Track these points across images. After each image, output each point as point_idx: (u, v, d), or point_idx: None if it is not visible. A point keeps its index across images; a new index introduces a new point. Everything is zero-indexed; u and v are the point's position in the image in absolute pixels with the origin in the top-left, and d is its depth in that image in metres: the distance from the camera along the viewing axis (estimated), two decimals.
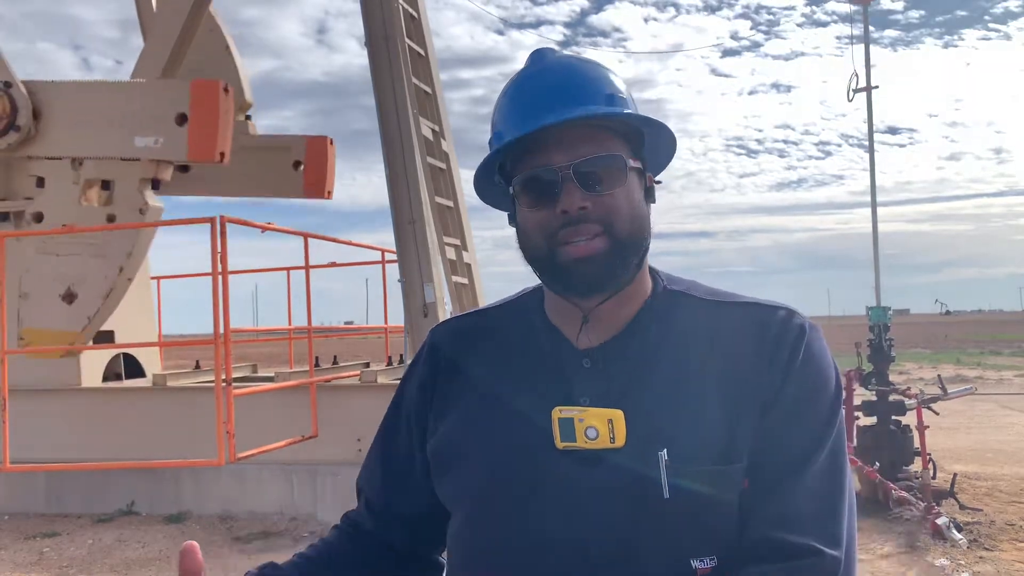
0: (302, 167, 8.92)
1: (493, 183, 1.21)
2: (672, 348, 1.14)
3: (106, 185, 7.26)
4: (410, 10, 7.81)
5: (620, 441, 1.06)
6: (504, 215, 1.23)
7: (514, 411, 1.15)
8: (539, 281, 1.20)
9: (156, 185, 7.41)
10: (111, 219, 7.21)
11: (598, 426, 1.07)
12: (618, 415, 1.07)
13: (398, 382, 1.39)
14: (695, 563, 1.05)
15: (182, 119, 6.77)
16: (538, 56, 1.19)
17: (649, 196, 1.17)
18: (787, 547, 1.03)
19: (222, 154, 6.81)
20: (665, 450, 1.05)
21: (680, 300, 1.18)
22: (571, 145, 1.10)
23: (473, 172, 1.22)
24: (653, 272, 1.21)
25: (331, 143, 8.76)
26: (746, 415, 1.08)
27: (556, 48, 1.20)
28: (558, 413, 1.09)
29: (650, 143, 1.17)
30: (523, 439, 1.12)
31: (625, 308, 1.16)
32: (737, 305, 1.17)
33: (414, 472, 1.27)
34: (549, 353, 1.18)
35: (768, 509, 1.06)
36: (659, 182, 1.20)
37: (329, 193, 9.05)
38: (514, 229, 1.20)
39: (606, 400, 1.10)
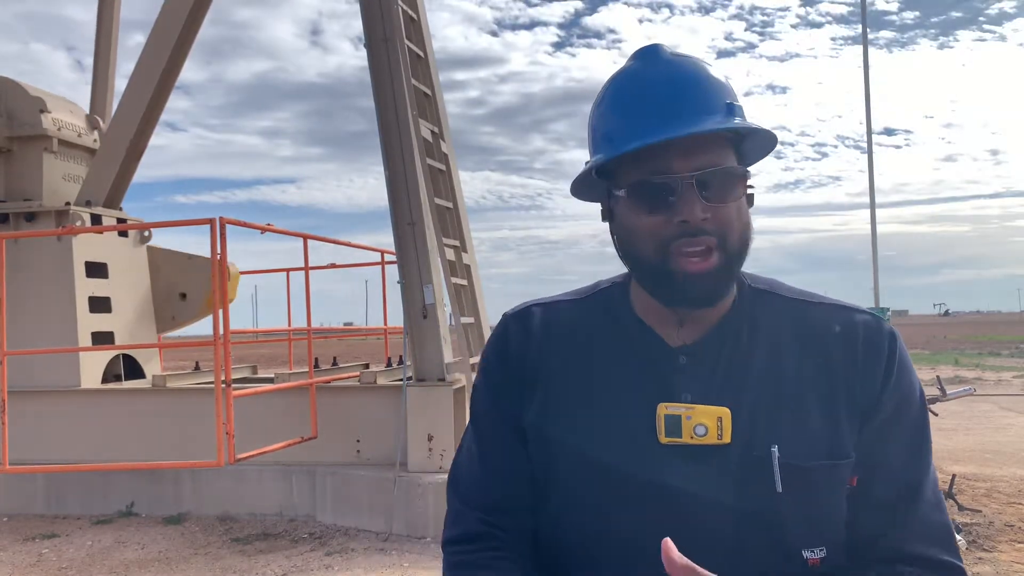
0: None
1: (586, 178, 1.19)
2: (764, 347, 1.15)
3: None
4: (409, 11, 7.81)
5: (727, 438, 1.09)
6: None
7: (612, 404, 1.15)
8: (618, 273, 1.21)
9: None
10: None
11: (707, 423, 1.09)
12: (726, 413, 1.09)
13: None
14: (806, 554, 1.09)
15: None
16: (652, 56, 1.16)
17: (750, 203, 1.16)
18: (934, 563, 1.11)
19: None
20: (777, 446, 1.08)
21: (766, 299, 1.20)
22: (691, 153, 1.09)
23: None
24: None
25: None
26: (846, 415, 1.12)
27: (665, 46, 1.17)
28: (664, 409, 1.10)
29: (750, 144, 1.17)
30: (625, 432, 1.13)
31: (714, 308, 1.16)
32: (823, 306, 1.20)
33: (524, 461, 1.22)
34: (641, 349, 1.18)
35: (909, 523, 1.12)
36: (753, 187, 1.18)
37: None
38: (608, 227, 1.19)
39: (709, 398, 1.11)
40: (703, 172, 1.08)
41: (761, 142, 1.19)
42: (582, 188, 1.24)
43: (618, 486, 1.12)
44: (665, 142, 1.07)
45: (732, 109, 1.11)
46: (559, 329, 1.24)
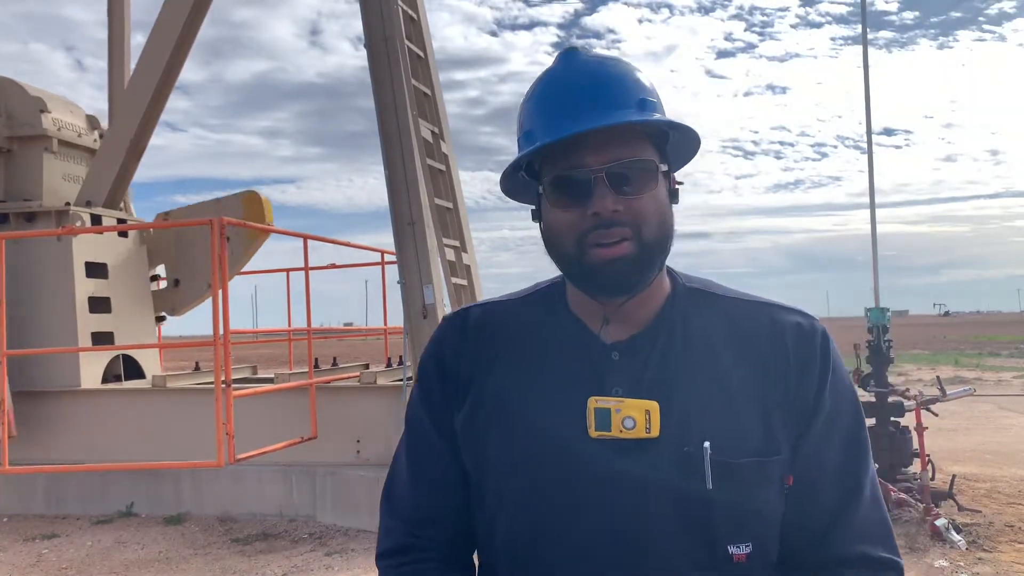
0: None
1: (517, 178, 1.22)
2: (697, 344, 1.17)
3: None
4: (409, 12, 7.81)
5: (655, 431, 1.10)
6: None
7: (543, 399, 1.16)
8: (558, 274, 1.22)
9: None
10: None
11: (635, 416, 1.10)
12: (654, 406, 1.11)
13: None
14: (732, 549, 1.10)
15: None
16: (569, 56, 1.19)
17: (674, 198, 1.19)
18: (875, 561, 1.16)
19: None
20: (708, 442, 1.09)
21: (700, 298, 1.22)
22: (603, 147, 1.11)
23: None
24: (670, 270, 1.25)
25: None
26: (779, 414, 1.14)
27: (586, 47, 1.20)
28: (594, 403, 1.12)
29: (674, 142, 1.19)
30: (555, 426, 1.14)
31: (647, 305, 1.19)
32: (756, 304, 1.22)
33: (454, 469, 1.24)
34: (576, 346, 1.19)
35: (851, 523, 1.16)
36: (681, 183, 1.22)
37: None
38: (538, 226, 1.21)
39: (639, 392, 1.13)
40: (614, 164, 1.10)
41: (687, 142, 1.21)
42: (516, 190, 1.25)
43: (548, 481, 1.13)
44: (579, 137, 1.10)
45: (645, 105, 1.13)
46: (496, 329, 1.25)
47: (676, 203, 1.19)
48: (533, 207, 1.22)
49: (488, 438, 1.18)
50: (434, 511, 1.25)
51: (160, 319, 9.01)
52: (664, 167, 1.16)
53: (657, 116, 1.13)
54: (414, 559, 1.24)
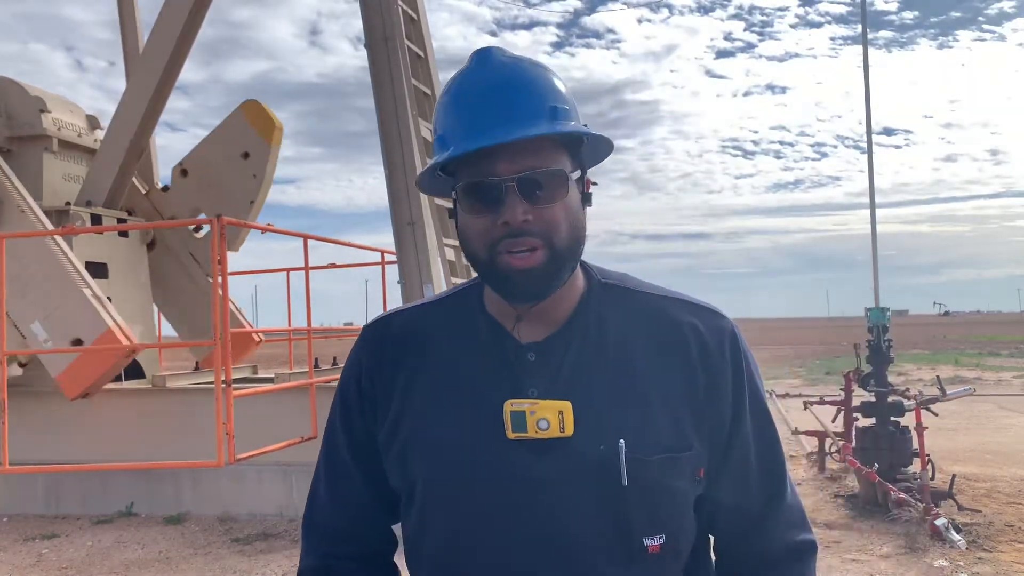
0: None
1: (435, 176, 1.23)
2: (612, 342, 1.20)
3: None
4: (409, 11, 7.82)
5: (569, 431, 1.13)
6: None
7: (462, 403, 1.19)
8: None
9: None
10: None
11: (549, 417, 1.13)
12: (567, 407, 1.13)
13: None
14: (647, 541, 1.14)
15: (77, 343, 6.61)
16: (482, 58, 1.19)
17: (586, 201, 1.20)
18: (801, 545, 1.26)
19: (84, 395, 6.73)
20: (623, 440, 1.12)
21: (615, 294, 1.25)
22: (515, 156, 1.12)
23: None
24: (585, 266, 1.26)
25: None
26: (689, 409, 1.17)
27: (501, 48, 1.21)
28: (510, 406, 1.14)
29: (588, 144, 1.21)
30: (473, 429, 1.16)
31: (562, 304, 1.21)
32: (669, 300, 1.25)
33: (371, 483, 1.28)
34: (493, 347, 1.21)
35: (776, 513, 1.25)
36: (595, 183, 1.23)
37: None
38: (454, 226, 1.23)
39: (554, 392, 1.15)
40: (523, 175, 1.11)
41: (600, 143, 1.22)
42: (434, 188, 1.26)
43: (469, 483, 1.15)
44: (493, 145, 1.10)
45: (557, 113, 1.14)
46: (414, 336, 1.27)
47: (589, 206, 1.21)
48: (450, 207, 1.24)
49: (411, 448, 1.20)
50: (352, 529, 1.29)
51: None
52: (576, 174, 1.18)
53: (570, 125, 1.15)
54: None
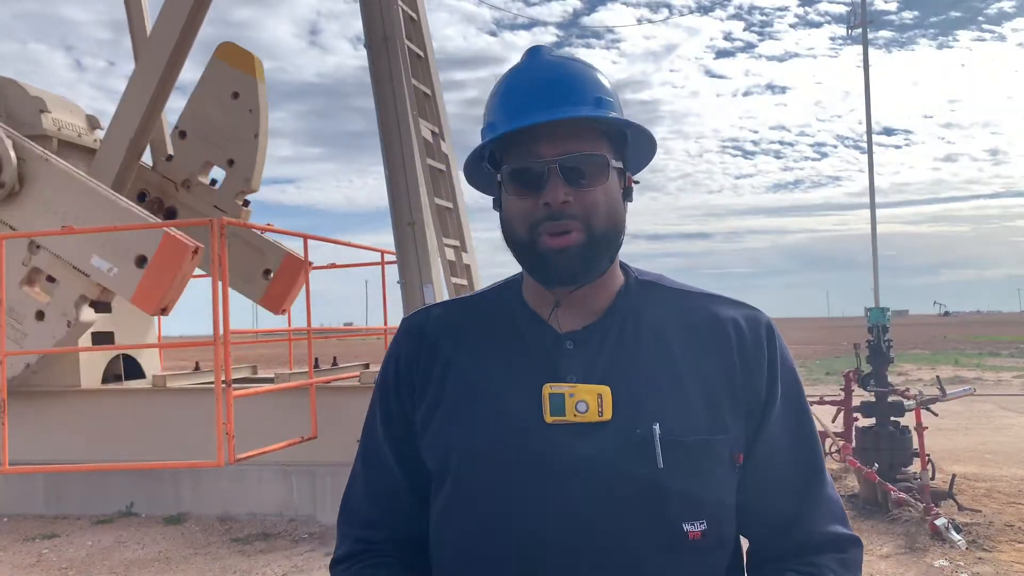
0: (271, 277, 8.76)
1: (482, 169, 1.27)
2: (649, 333, 1.22)
3: (51, 279, 6.93)
4: (409, 12, 7.82)
5: (607, 415, 1.14)
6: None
7: (501, 387, 1.20)
8: (519, 269, 1.27)
9: (97, 306, 7.14)
10: (39, 315, 6.93)
11: (588, 400, 1.15)
12: (606, 391, 1.15)
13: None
14: (687, 527, 1.14)
15: (141, 261, 6.49)
16: (533, 53, 1.24)
17: (627, 195, 1.24)
18: (841, 539, 1.24)
19: (163, 309, 6.61)
20: (658, 424, 1.13)
21: (652, 290, 1.28)
22: (559, 141, 1.16)
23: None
24: (623, 265, 1.31)
25: (307, 268, 7.96)
26: (728, 400, 1.19)
27: (551, 47, 1.26)
28: (549, 389, 1.16)
29: (632, 144, 1.24)
30: (511, 412, 1.18)
31: (600, 296, 1.24)
32: (705, 296, 1.28)
33: (409, 480, 1.29)
34: (532, 335, 1.24)
35: (818, 504, 1.24)
36: (637, 182, 1.28)
37: (284, 311, 8.84)
38: (498, 214, 1.26)
39: (591, 378, 1.17)
40: (566, 156, 1.15)
41: (644, 144, 1.26)
42: (480, 180, 1.31)
43: (508, 465, 1.16)
44: (536, 131, 1.15)
45: (600, 103, 1.18)
46: (454, 326, 1.30)
47: (630, 201, 1.25)
48: (494, 197, 1.27)
49: (448, 430, 1.22)
50: (386, 517, 1.31)
51: (245, 203, 8.82)
52: (618, 164, 1.21)
53: (612, 114, 1.18)
54: (366, 563, 1.30)
